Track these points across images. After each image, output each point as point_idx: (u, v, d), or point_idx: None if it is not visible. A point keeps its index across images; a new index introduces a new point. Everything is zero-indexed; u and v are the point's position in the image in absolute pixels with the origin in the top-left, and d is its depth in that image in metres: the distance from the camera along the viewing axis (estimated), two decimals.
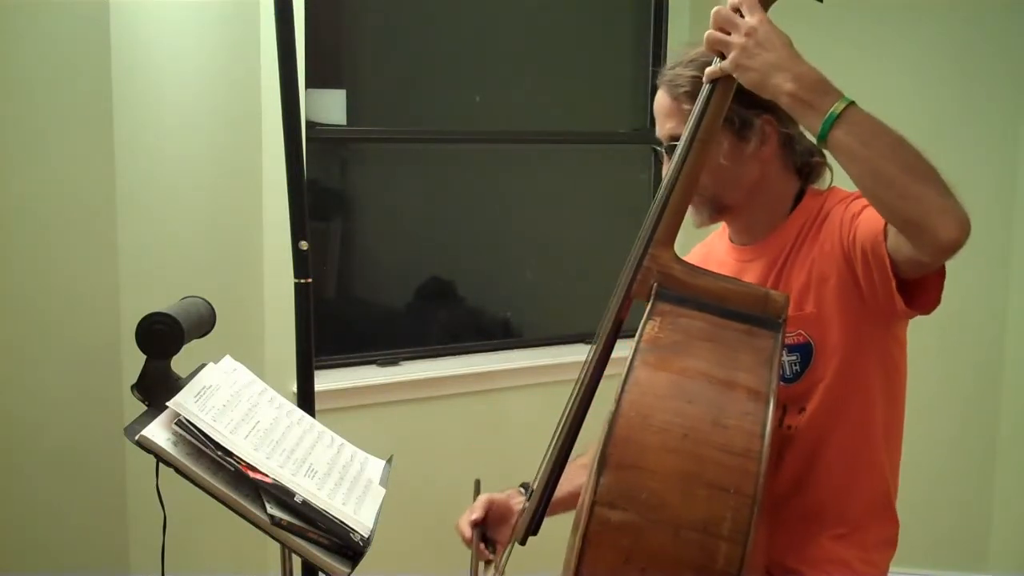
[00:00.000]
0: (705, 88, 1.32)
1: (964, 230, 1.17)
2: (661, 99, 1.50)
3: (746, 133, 1.44)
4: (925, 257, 1.22)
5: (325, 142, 2.80)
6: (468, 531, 1.59)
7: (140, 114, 2.13)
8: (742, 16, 1.27)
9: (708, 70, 1.31)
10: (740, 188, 1.48)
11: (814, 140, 1.25)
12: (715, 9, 1.29)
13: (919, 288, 1.32)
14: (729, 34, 1.27)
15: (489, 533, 1.61)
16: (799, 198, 1.51)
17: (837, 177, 1.54)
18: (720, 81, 1.30)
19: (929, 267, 1.27)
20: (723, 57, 1.28)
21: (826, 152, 1.52)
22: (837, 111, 1.21)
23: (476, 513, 1.61)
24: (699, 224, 1.52)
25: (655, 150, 1.53)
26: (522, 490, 1.65)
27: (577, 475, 1.58)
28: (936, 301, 1.33)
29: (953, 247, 1.18)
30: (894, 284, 1.30)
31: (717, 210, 1.50)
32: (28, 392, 2.05)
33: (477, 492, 1.66)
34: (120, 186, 2.11)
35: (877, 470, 1.50)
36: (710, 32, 1.29)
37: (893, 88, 3.03)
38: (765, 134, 1.46)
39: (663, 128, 1.50)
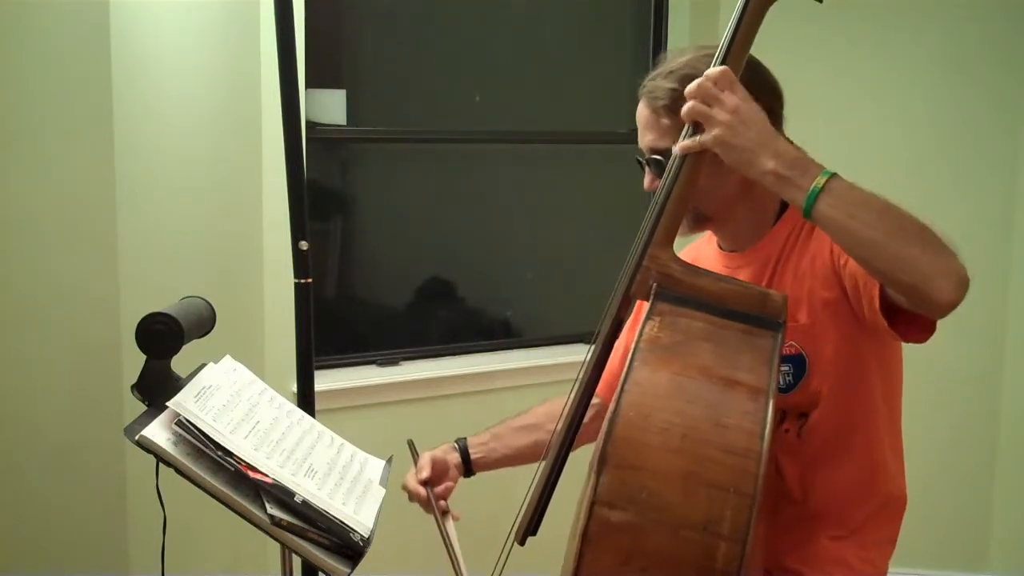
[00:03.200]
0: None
1: (961, 288, 1.16)
2: (641, 110, 1.49)
3: None
4: (923, 313, 1.22)
5: (325, 142, 2.80)
6: (422, 490, 1.62)
7: (140, 114, 2.13)
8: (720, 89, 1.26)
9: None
10: (720, 199, 1.47)
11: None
12: (696, 83, 1.27)
13: (911, 319, 1.30)
14: (710, 107, 1.26)
15: (437, 488, 1.65)
16: (784, 206, 1.50)
17: None
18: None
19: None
20: (699, 127, 1.28)
21: None
22: (819, 186, 1.20)
23: (425, 471, 1.63)
24: (681, 233, 1.51)
25: (638, 161, 1.52)
26: (456, 445, 1.71)
27: (514, 437, 1.70)
28: (931, 330, 1.31)
29: (950, 306, 1.17)
30: (886, 324, 1.30)
31: (698, 220, 1.49)
32: (28, 392, 2.05)
33: (414, 451, 1.70)
34: (120, 186, 2.11)
35: (882, 474, 1.50)
36: (693, 104, 1.27)
37: (894, 91, 3.03)
38: None
39: (643, 140, 1.49)
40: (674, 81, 1.42)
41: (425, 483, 1.63)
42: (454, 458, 1.69)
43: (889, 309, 1.29)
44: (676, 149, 1.31)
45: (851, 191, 1.21)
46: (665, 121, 1.43)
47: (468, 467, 1.69)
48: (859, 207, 1.20)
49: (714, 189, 1.44)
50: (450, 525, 1.60)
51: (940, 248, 1.18)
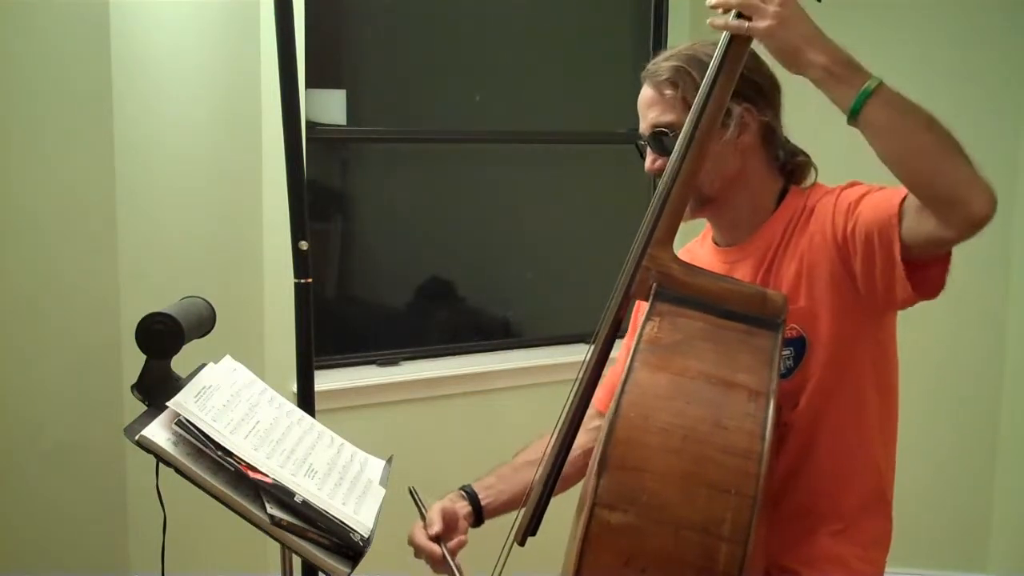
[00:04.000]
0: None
1: (994, 204, 1.19)
2: (644, 92, 1.51)
3: (725, 120, 1.43)
4: (951, 232, 1.22)
5: (325, 142, 2.80)
6: (436, 549, 1.51)
7: (140, 114, 2.13)
8: None
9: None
10: (720, 178, 1.47)
11: (844, 115, 1.23)
12: None
13: (923, 273, 1.31)
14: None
15: (450, 542, 1.53)
16: (782, 196, 1.51)
17: (823, 175, 1.54)
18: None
19: (949, 245, 1.27)
20: (742, 18, 1.27)
21: (809, 154, 1.53)
22: (871, 87, 1.21)
23: (436, 526, 1.53)
24: (683, 218, 1.51)
25: (637, 147, 1.53)
26: (464, 494, 1.61)
27: (519, 474, 1.60)
28: (942, 284, 1.32)
29: (983, 221, 1.19)
30: (901, 269, 1.29)
31: (699, 201, 1.49)
32: (28, 392, 2.05)
33: (418, 501, 1.60)
34: (120, 186, 2.11)
35: (871, 463, 1.50)
36: None
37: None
38: (744, 122, 1.46)
39: (646, 119, 1.50)
40: (677, 60, 1.44)
41: (436, 539, 1.52)
42: (463, 507, 1.59)
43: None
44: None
45: (900, 97, 1.22)
46: (669, 93, 1.45)
47: (479, 515, 1.60)
48: (908, 112, 1.22)
49: (715, 168, 1.44)
50: None
51: (974, 165, 1.21)
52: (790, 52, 1.25)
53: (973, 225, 1.20)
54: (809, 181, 1.53)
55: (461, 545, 1.54)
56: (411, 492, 1.61)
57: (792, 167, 1.52)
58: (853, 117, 1.23)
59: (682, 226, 1.35)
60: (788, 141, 1.53)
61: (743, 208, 1.51)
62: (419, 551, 1.54)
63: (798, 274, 1.43)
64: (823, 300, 1.42)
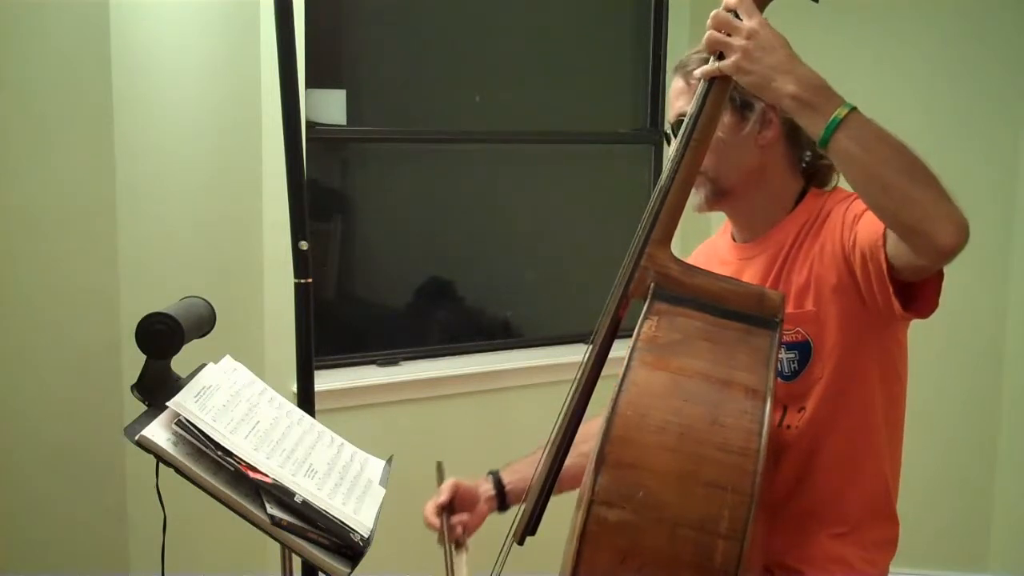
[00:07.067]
0: (702, 85, 1.32)
1: (963, 236, 1.17)
2: (675, 84, 1.53)
3: (746, 113, 1.45)
4: (924, 261, 1.22)
5: (325, 142, 2.80)
6: (435, 520, 1.55)
7: (140, 114, 2.13)
8: (739, 18, 1.27)
9: (704, 69, 1.30)
10: (739, 171, 1.48)
11: (816, 144, 1.24)
12: (713, 12, 1.29)
13: (917, 292, 1.31)
14: (729, 36, 1.27)
15: (455, 516, 1.57)
16: (802, 196, 1.51)
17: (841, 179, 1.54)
18: (717, 80, 1.30)
19: (928, 271, 1.27)
20: (721, 58, 1.28)
21: None
22: (840, 116, 1.20)
23: (442, 496, 1.57)
24: (697, 208, 1.51)
25: (665, 134, 1.54)
26: (489, 477, 1.64)
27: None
28: (934, 305, 1.32)
29: (951, 252, 1.18)
30: (891, 289, 1.30)
31: (716, 193, 1.50)
32: (28, 392, 2.06)
33: (441, 475, 1.63)
34: (120, 186, 2.11)
35: (877, 470, 1.50)
36: (710, 33, 1.29)
37: (892, 92, 3.03)
38: (767, 119, 1.46)
39: (673, 108, 1.52)
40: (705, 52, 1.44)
41: (443, 509, 1.56)
42: (487, 490, 1.61)
43: (895, 283, 1.30)
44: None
45: (871, 126, 1.21)
46: (695, 83, 1.44)
47: (503, 499, 1.61)
48: (877, 143, 1.20)
49: (734, 156, 1.46)
50: (462, 560, 1.51)
51: (945, 195, 1.19)
52: (758, 84, 1.25)
53: (940, 255, 1.19)
54: (831, 184, 1.53)
55: (470, 524, 1.56)
56: (438, 467, 1.64)
57: (815, 169, 1.53)
58: (823, 146, 1.22)
59: (684, 225, 1.35)
60: (812, 142, 1.53)
61: (760, 204, 1.52)
62: (426, 522, 1.57)
63: (808, 278, 1.44)
64: (830, 307, 1.42)
